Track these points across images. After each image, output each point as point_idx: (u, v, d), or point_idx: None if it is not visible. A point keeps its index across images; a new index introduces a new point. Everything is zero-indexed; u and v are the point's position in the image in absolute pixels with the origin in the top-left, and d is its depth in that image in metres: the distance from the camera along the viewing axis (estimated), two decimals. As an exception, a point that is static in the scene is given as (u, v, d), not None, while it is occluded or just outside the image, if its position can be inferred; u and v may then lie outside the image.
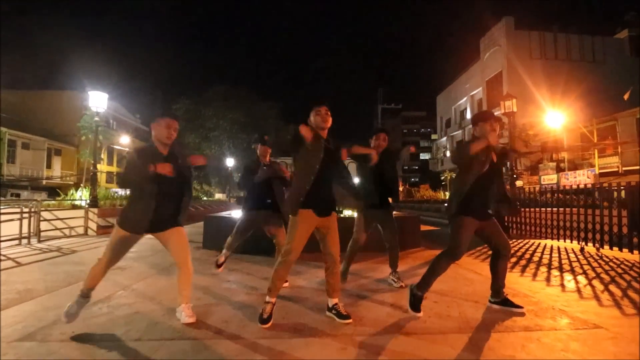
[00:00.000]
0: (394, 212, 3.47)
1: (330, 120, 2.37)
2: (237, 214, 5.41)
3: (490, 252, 2.65)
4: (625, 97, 16.51)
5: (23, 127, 23.02)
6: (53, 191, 16.50)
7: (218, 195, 28.19)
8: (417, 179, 54.97)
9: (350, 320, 2.27)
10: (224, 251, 3.43)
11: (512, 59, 23.76)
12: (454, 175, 2.83)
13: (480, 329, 2.17)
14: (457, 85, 33.12)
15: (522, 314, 2.41)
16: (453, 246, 2.42)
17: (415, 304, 2.43)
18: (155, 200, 2.15)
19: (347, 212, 5.83)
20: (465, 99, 31.12)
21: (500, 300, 2.55)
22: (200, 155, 2.49)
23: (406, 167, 63.16)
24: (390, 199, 3.27)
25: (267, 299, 2.29)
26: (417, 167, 61.34)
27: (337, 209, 2.48)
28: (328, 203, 2.37)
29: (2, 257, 4.77)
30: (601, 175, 15.80)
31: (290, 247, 2.26)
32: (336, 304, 2.36)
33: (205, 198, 25.39)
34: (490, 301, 2.60)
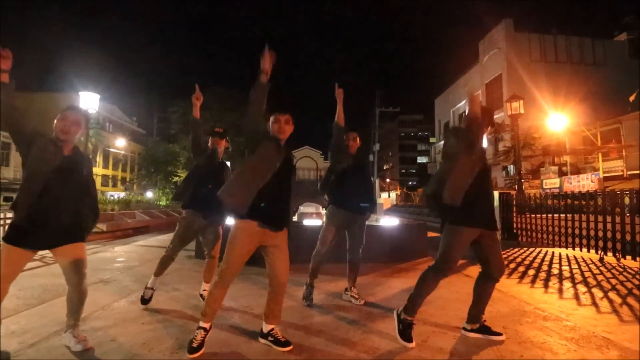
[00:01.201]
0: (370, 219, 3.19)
1: (287, 130, 2.11)
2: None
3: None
4: (631, 99, 16.32)
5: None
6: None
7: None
8: (414, 183, 54.77)
9: (290, 347, 1.97)
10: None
11: (512, 61, 23.60)
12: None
13: (519, 366, 1.82)
14: (455, 88, 32.98)
15: (502, 342, 2.08)
16: (447, 259, 2.07)
17: (405, 331, 2.07)
18: (49, 210, 1.87)
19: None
20: (464, 102, 30.95)
21: (478, 327, 2.18)
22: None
23: (403, 171, 62.97)
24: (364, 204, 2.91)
25: (201, 324, 1.96)
26: (414, 171, 61.17)
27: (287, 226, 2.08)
28: (276, 217, 2.01)
29: None
30: (605, 179, 15.53)
31: (227, 262, 1.95)
32: (272, 329, 2.06)
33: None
34: (465, 329, 2.21)
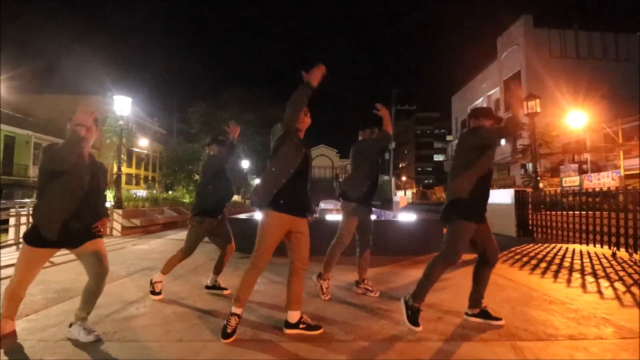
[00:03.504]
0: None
1: (307, 121, 2.28)
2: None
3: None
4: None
5: (47, 131, 23.85)
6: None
7: (234, 197, 28.48)
8: (430, 181, 54.27)
9: (322, 330, 2.14)
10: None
11: (531, 57, 23.24)
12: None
13: (523, 337, 2.11)
14: (473, 85, 32.59)
15: (501, 327, 2.25)
16: (454, 252, 2.27)
17: (413, 317, 2.24)
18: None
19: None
20: (481, 99, 30.58)
21: (479, 312, 2.37)
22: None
23: (419, 169, 62.43)
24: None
25: (233, 309, 2.07)
26: (430, 169, 60.56)
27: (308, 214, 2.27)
28: (299, 207, 2.19)
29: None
30: (626, 177, 15.24)
31: (259, 251, 2.10)
32: (302, 317, 2.18)
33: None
34: (467, 314, 2.40)
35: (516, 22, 24.85)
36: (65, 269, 4.20)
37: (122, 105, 8.93)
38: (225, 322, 2.07)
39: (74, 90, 27.43)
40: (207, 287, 3.12)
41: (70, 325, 2.10)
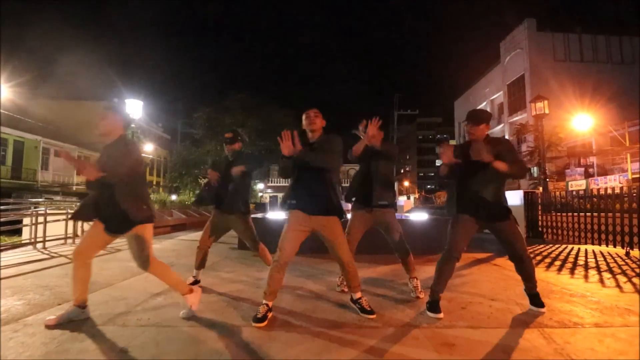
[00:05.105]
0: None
1: (317, 122, 2.38)
2: (273, 215, 5.49)
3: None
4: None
5: (55, 136, 24.14)
6: (82, 197, 17.18)
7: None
8: (432, 186, 54.19)
9: (374, 315, 2.27)
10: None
11: (535, 61, 23.34)
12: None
13: (549, 325, 2.14)
14: (476, 89, 32.70)
15: (542, 313, 2.34)
16: (447, 244, 2.40)
17: (433, 305, 2.34)
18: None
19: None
20: (484, 103, 30.64)
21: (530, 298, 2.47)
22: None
23: (421, 174, 62.37)
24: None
25: (263, 301, 2.25)
26: (432, 174, 60.51)
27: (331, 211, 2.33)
28: (319, 203, 2.29)
29: (54, 255, 5.02)
30: (634, 180, 15.18)
31: (281, 247, 2.25)
32: (360, 298, 2.37)
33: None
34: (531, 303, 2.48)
35: (519, 26, 25.00)
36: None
37: (133, 108, 9.07)
38: (257, 311, 2.21)
39: (82, 96, 27.80)
40: None
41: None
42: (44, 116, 24.34)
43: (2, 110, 18.97)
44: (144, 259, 2.22)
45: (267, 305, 2.23)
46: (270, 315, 2.21)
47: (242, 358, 1.71)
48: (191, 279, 3.10)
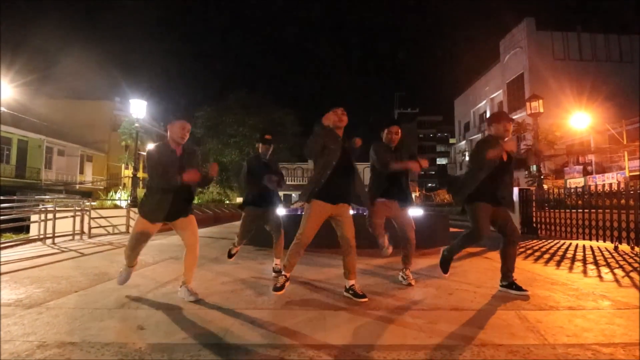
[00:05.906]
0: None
1: (344, 119, 2.60)
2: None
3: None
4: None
5: (59, 135, 24.38)
6: (85, 195, 17.44)
7: (240, 199, 28.87)
8: (433, 185, 54.28)
9: (366, 299, 2.46)
10: (235, 245, 3.59)
11: (534, 60, 23.44)
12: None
13: (526, 308, 2.34)
14: (475, 88, 32.80)
15: (527, 297, 2.57)
16: (476, 228, 2.68)
17: (444, 264, 2.92)
18: (172, 194, 2.48)
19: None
20: (484, 102, 30.78)
21: (507, 283, 2.73)
22: (215, 164, 2.86)
23: (422, 172, 62.46)
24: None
25: (283, 272, 2.53)
26: (433, 172, 60.58)
27: (349, 201, 2.66)
28: (340, 194, 2.57)
29: (64, 249, 5.24)
30: (632, 178, 15.33)
31: (302, 230, 2.51)
32: (353, 285, 2.57)
33: (227, 202, 26.06)
34: (501, 285, 2.77)
35: (519, 25, 25.09)
36: (98, 257, 4.49)
37: (138, 108, 9.27)
38: (276, 281, 2.54)
39: (85, 96, 28.02)
40: (274, 270, 3.44)
41: (181, 286, 2.57)
42: (48, 115, 24.56)
43: (6, 110, 19.21)
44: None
45: (285, 276, 2.51)
46: (287, 284, 2.50)
47: (245, 333, 1.91)
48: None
